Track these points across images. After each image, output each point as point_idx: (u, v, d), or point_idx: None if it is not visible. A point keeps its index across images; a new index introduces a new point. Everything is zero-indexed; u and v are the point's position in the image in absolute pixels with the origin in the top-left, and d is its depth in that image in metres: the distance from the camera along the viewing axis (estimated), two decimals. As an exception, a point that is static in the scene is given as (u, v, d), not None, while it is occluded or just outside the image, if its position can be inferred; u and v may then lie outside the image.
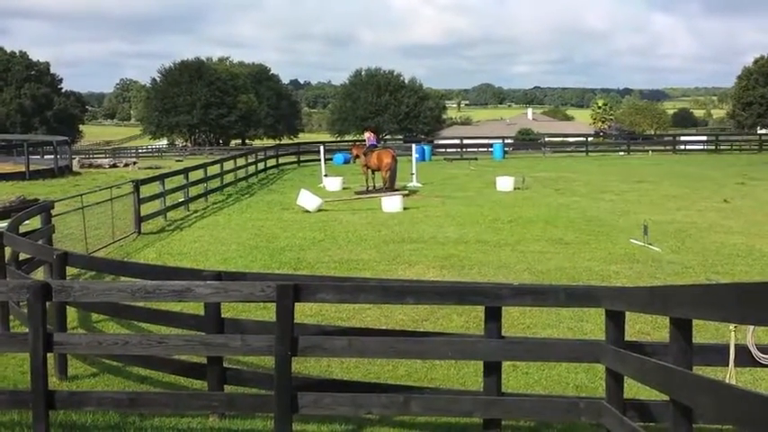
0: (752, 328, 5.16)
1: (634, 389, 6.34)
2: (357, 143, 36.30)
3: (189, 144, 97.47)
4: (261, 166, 38.92)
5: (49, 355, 6.30)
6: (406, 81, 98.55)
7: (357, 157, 30.49)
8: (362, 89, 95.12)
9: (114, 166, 51.79)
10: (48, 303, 6.27)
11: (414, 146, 40.64)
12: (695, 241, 16.36)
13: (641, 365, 4.92)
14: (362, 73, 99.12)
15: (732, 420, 3.51)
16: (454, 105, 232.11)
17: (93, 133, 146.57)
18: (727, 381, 4.72)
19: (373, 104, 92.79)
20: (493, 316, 5.95)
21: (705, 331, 8.71)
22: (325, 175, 32.51)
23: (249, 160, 36.56)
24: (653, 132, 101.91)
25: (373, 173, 28.16)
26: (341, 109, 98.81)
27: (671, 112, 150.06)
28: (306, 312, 9.69)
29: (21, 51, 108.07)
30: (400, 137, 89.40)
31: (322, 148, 38.61)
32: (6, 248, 10.08)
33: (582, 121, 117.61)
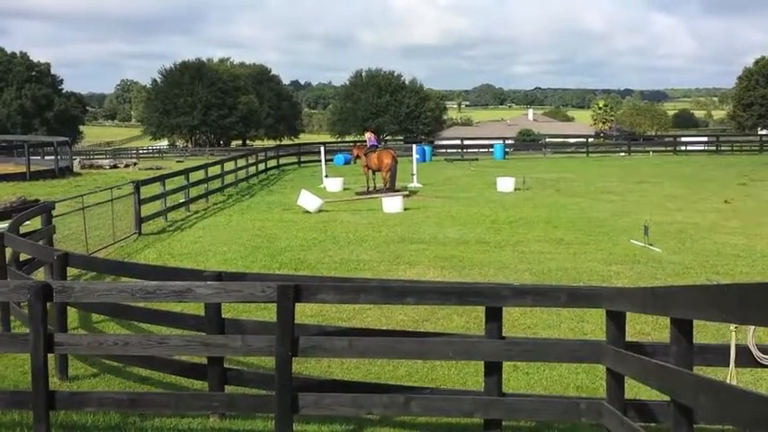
0: (752, 328, 5.16)
1: (635, 389, 6.34)
2: (358, 144, 36.31)
3: (189, 145, 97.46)
4: (261, 166, 38.95)
5: (49, 355, 6.30)
6: (407, 82, 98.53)
7: (358, 157, 30.50)
8: (363, 90, 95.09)
9: (115, 166, 51.83)
10: (48, 304, 6.27)
11: (414, 146, 40.66)
12: (696, 242, 16.35)
13: (642, 366, 4.92)
14: (363, 74, 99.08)
15: (733, 421, 3.52)
16: (455, 106, 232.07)
17: (93, 134, 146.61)
18: (727, 381, 4.72)
19: (374, 105, 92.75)
20: (493, 316, 5.95)
21: (706, 332, 8.71)
22: (326, 176, 32.52)
23: (250, 161, 36.58)
24: (654, 133, 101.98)
25: (374, 173, 28.16)
26: (341, 110, 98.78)
27: (671, 112, 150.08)
28: (306, 313, 9.69)
29: (21, 52, 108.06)
30: (401, 137, 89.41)
31: (322, 148, 38.61)
32: (7, 249, 10.09)
33: (582, 122, 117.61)
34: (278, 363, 5.90)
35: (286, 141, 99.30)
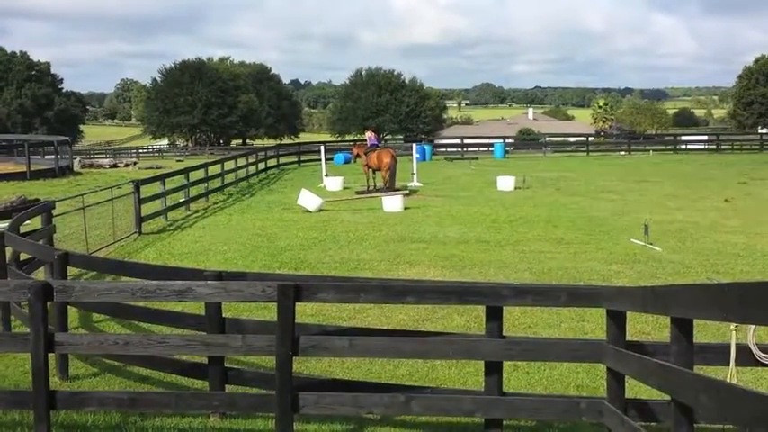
0: (753, 327, 5.16)
1: (635, 388, 6.34)
2: (358, 143, 36.32)
3: (190, 144, 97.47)
4: (261, 166, 38.95)
5: (50, 355, 6.30)
6: (407, 81, 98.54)
7: (358, 156, 30.51)
8: (363, 89, 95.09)
9: (115, 166, 51.83)
10: (49, 303, 6.27)
11: (414, 145, 40.68)
12: (696, 241, 16.35)
13: (642, 365, 4.92)
14: (363, 73, 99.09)
15: (733, 420, 3.52)
16: (455, 105, 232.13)
17: (93, 133, 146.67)
18: (728, 380, 4.72)
19: (374, 104, 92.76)
20: (494, 316, 5.95)
21: (706, 331, 8.71)
22: (326, 175, 32.52)
23: (250, 160, 36.58)
24: (654, 132, 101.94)
25: (374, 173, 28.16)
26: (341, 109, 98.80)
27: (672, 111, 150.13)
28: (307, 312, 9.69)
29: (21, 52, 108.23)
30: (401, 137, 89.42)
31: (322, 148, 38.63)
32: (7, 248, 10.09)
33: (582, 121, 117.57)
34: (278, 362, 5.91)
35: (286, 141, 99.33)
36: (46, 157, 49.01)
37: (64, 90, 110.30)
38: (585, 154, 54.84)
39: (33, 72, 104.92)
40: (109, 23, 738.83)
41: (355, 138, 72.18)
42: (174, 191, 23.19)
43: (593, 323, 9.48)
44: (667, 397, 4.75)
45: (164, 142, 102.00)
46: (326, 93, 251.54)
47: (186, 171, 25.12)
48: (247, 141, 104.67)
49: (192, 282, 6.26)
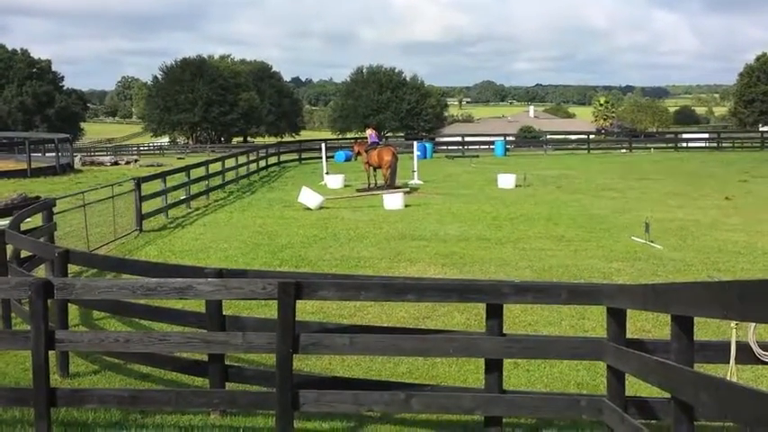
0: (753, 325, 5.15)
1: (635, 386, 6.34)
2: (359, 140, 36.30)
3: (190, 142, 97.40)
4: (262, 163, 38.96)
5: (50, 352, 6.31)
6: (408, 78, 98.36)
7: (359, 154, 30.50)
8: (364, 87, 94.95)
9: (116, 163, 51.82)
10: (49, 301, 6.28)
11: (415, 143, 40.63)
12: (697, 239, 16.35)
13: (642, 363, 4.92)
14: (364, 70, 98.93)
15: (733, 418, 3.52)
16: (456, 103, 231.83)
17: (94, 131, 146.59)
18: (728, 378, 4.71)
19: (375, 102, 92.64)
20: (494, 313, 5.95)
21: (706, 329, 8.71)
22: (327, 173, 32.51)
23: (251, 158, 36.60)
24: (655, 130, 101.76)
25: (375, 170, 28.17)
26: (342, 106, 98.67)
27: (673, 109, 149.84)
28: (307, 310, 9.69)
29: (22, 49, 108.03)
30: (402, 134, 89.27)
31: (323, 145, 38.62)
32: (8, 246, 10.10)
33: (583, 119, 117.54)
34: (279, 360, 5.91)
35: (287, 138, 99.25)
36: (47, 154, 48.97)
37: (65, 87, 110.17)
38: (586, 152, 54.81)
39: (34, 69, 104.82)
40: (110, 20, 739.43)
41: (356, 135, 72.06)
42: (175, 188, 23.19)
43: (593, 321, 9.47)
44: (667, 395, 4.75)
45: (164, 140, 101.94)
46: (327, 90, 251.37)
47: (187, 169, 25.14)
48: (248, 139, 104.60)
49: (192, 279, 6.27)
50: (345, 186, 29.41)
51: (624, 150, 55.80)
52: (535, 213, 20.59)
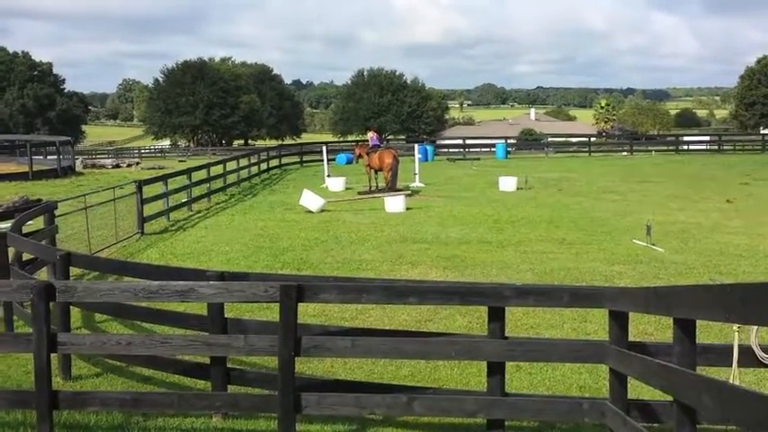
0: (755, 328, 5.15)
1: (637, 389, 6.34)
2: (360, 143, 36.32)
3: (192, 144, 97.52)
4: (264, 166, 38.99)
5: (53, 355, 6.31)
6: (409, 81, 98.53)
7: (360, 156, 30.51)
8: (365, 89, 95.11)
9: (117, 166, 51.89)
10: (51, 304, 6.28)
11: (416, 146, 40.63)
12: (698, 242, 16.34)
13: (645, 366, 4.92)
14: (365, 73, 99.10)
15: (736, 421, 3.51)
16: (456, 105, 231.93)
17: (95, 134, 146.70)
18: (730, 381, 4.71)
19: (376, 104, 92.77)
20: (496, 316, 5.95)
21: (709, 332, 8.71)
22: (328, 176, 32.52)
23: (252, 161, 36.62)
24: (656, 132, 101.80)
25: (376, 173, 28.18)
26: (343, 109, 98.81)
27: (674, 112, 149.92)
28: (309, 313, 9.69)
29: (23, 52, 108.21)
30: (403, 137, 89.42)
31: (324, 148, 38.61)
32: (10, 249, 10.10)
33: (584, 122, 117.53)
34: (281, 363, 5.91)
35: (288, 141, 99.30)
36: (48, 157, 49.07)
37: (66, 90, 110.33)
38: (587, 154, 54.78)
39: (35, 72, 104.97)
40: (110, 23, 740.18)
41: (357, 138, 72.13)
42: (177, 191, 23.20)
43: (595, 324, 9.48)
44: (670, 398, 4.75)
45: (166, 143, 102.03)
46: (328, 93, 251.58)
47: (188, 171, 25.14)
48: (249, 142, 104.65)
49: (194, 282, 6.27)
50: (347, 189, 29.42)
51: (625, 153, 55.77)
52: (536, 216, 20.59)
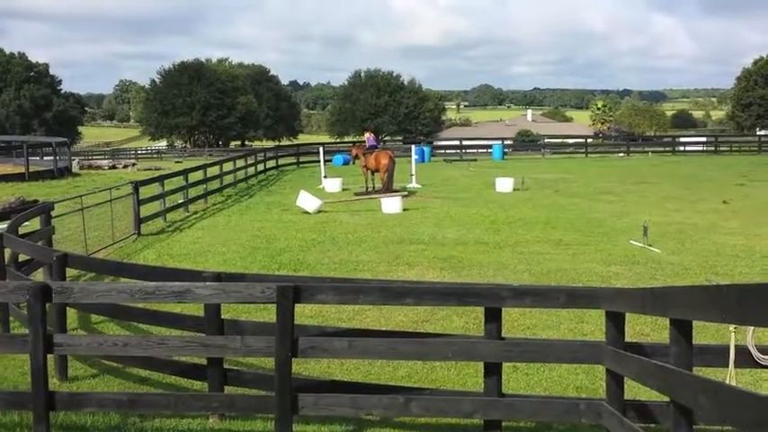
0: (752, 329, 5.16)
1: (634, 390, 6.34)
2: (357, 144, 36.32)
3: (188, 145, 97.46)
4: (260, 167, 38.97)
5: (49, 356, 6.30)
6: (406, 82, 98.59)
7: (357, 157, 30.54)
8: (362, 90, 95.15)
9: (113, 167, 51.80)
10: (48, 304, 6.27)
11: (413, 147, 40.69)
12: (695, 242, 16.37)
13: (641, 366, 4.92)
14: (362, 74, 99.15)
15: (732, 422, 3.52)
16: (453, 106, 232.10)
17: (92, 134, 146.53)
18: (727, 382, 4.72)
19: (373, 106, 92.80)
20: (493, 317, 5.95)
21: (705, 332, 8.71)
22: (325, 177, 32.52)
23: (249, 162, 36.60)
24: (652, 134, 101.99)
25: (372, 174, 28.20)
26: (340, 110, 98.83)
27: (670, 113, 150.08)
28: (306, 314, 9.69)
29: (20, 52, 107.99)
30: (400, 138, 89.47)
31: (321, 149, 38.61)
32: (6, 250, 10.08)
33: (581, 123, 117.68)
34: (277, 363, 5.91)
35: (285, 142, 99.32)
36: (45, 158, 49.01)
37: (62, 91, 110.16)
38: (584, 155, 54.86)
39: (32, 73, 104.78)
40: (107, 24, 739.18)
41: (354, 139, 72.16)
42: (173, 192, 23.20)
43: (592, 324, 9.48)
44: (667, 398, 4.75)
45: (162, 143, 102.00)
46: (325, 94, 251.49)
47: (185, 172, 25.15)
48: (246, 143, 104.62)
49: (191, 283, 6.26)
50: (343, 190, 29.42)
51: (622, 154, 55.88)
52: (533, 217, 20.61)
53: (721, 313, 3.56)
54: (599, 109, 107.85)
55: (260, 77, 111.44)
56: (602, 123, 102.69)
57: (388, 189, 26.15)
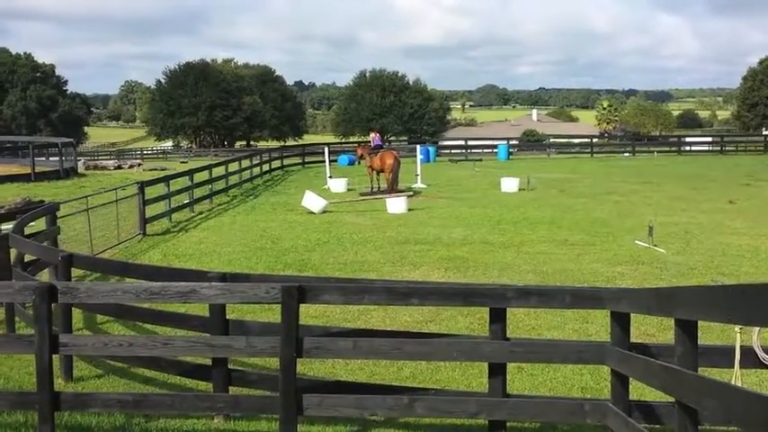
0: (757, 329, 5.14)
1: (639, 390, 6.33)
2: (362, 144, 36.33)
3: (194, 146, 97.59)
4: (266, 167, 39.03)
5: (54, 356, 6.31)
6: (411, 82, 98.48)
7: (362, 157, 30.54)
8: (367, 90, 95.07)
9: (119, 167, 51.89)
10: (53, 305, 6.28)
11: (418, 147, 40.67)
12: (700, 242, 16.33)
13: (646, 367, 4.91)
14: (367, 74, 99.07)
15: (738, 422, 3.51)
16: (458, 106, 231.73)
17: (98, 135, 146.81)
18: (732, 382, 4.70)
19: (378, 106, 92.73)
20: (498, 317, 5.94)
21: (710, 333, 8.69)
22: (330, 177, 32.53)
23: (254, 162, 36.66)
24: (658, 133, 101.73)
25: (378, 174, 28.20)
26: (345, 110, 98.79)
27: (676, 113, 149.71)
28: (311, 314, 9.69)
29: (26, 53, 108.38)
30: (405, 138, 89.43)
31: (327, 149, 38.64)
32: (12, 250, 10.11)
33: (587, 123, 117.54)
34: (282, 364, 5.91)
35: (290, 142, 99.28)
36: (50, 158, 49.11)
37: (68, 92, 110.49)
38: (590, 155, 54.76)
39: (38, 74, 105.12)
40: (113, 25, 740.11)
41: (359, 139, 72.12)
42: (179, 192, 23.23)
43: (597, 325, 9.47)
44: (672, 399, 4.74)
45: (168, 144, 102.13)
46: (330, 94, 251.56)
47: (190, 173, 25.19)
48: (251, 143, 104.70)
49: (196, 283, 6.27)
50: (349, 190, 29.44)
51: (627, 154, 55.75)
52: (538, 217, 20.59)
53: (726, 313, 3.55)
54: (604, 109, 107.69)
55: (265, 78, 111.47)
56: (608, 123, 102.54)
57: (392, 189, 26.15)
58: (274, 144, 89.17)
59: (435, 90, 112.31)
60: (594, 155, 55.00)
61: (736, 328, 4.65)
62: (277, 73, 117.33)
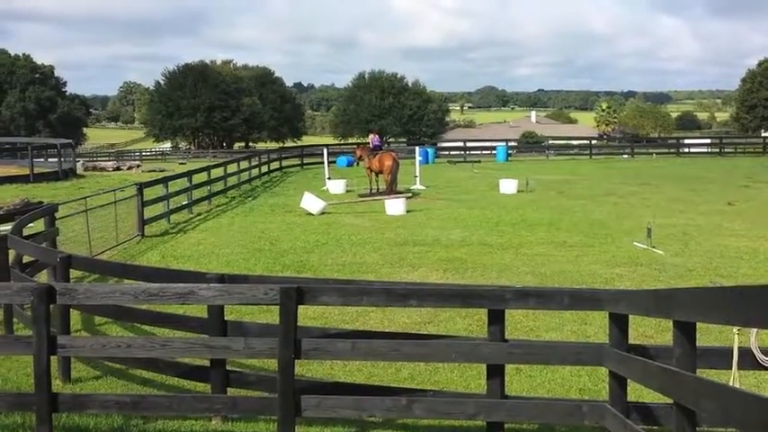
0: (755, 331, 5.15)
1: (637, 392, 6.33)
2: (361, 145, 36.33)
3: (192, 147, 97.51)
4: (264, 168, 39.03)
5: (52, 357, 6.31)
6: (410, 84, 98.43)
7: (361, 158, 30.56)
8: (366, 92, 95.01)
9: (118, 168, 51.85)
10: (51, 306, 6.28)
11: (417, 148, 40.69)
12: (699, 244, 16.33)
13: (644, 368, 4.91)
14: (366, 76, 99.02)
15: (735, 424, 3.51)
16: (457, 108, 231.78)
17: (96, 136, 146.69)
18: (730, 384, 4.71)
19: (377, 107, 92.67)
20: (496, 319, 5.95)
21: (708, 334, 8.69)
22: (329, 178, 32.53)
23: (253, 163, 36.67)
24: (657, 135, 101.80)
25: (377, 175, 28.22)
26: (344, 112, 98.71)
27: (675, 114, 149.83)
28: (309, 315, 9.69)
29: (25, 54, 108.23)
30: (404, 140, 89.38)
31: (325, 150, 38.63)
32: (10, 251, 10.10)
33: (585, 124, 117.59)
34: (280, 365, 5.91)
35: (289, 143, 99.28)
36: (49, 159, 49.07)
37: (67, 93, 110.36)
38: (588, 157, 54.78)
39: (37, 75, 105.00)
40: (112, 26, 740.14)
41: (358, 141, 72.09)
42: (177, 194, 23.23)
43: (595, 326, 9.47)
44: (670, 401, 4.74)
45: (167, 145, 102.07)
46: (329, 96, 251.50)
47: (189, 174, 25.18)
48: (250, 144, 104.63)
49: (194, 285, 6.26)
50: (347, 192, 29.44)
51: (626, 156, 55.80)
52: (537, 219, 20.59)
53: (725, 315, 3.55)
54: (603, 110, 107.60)
55: (264, 79, 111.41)
56: (607, 125, 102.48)
57: (391, 191, 26.16)
58: (273, 145, 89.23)
59: (434, 92, 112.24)
60: (593, 156, 55.04)
61: (735, 330, 4.66)
62: (276, 74, 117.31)
